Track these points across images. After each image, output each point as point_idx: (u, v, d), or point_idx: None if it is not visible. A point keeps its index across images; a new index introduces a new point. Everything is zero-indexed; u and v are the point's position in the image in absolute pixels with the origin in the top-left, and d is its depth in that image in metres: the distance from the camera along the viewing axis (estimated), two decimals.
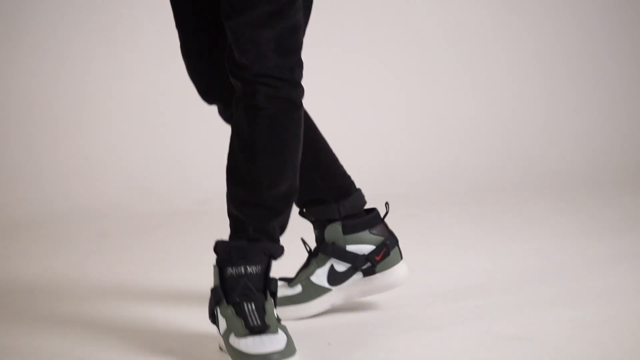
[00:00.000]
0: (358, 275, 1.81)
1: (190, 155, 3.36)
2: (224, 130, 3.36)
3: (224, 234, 1.83)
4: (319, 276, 1.80)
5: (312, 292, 1.79)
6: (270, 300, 1.55)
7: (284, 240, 1.63)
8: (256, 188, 1.57)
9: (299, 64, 1.60)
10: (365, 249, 1.81)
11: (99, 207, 3.01)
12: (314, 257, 1.82)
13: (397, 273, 1.83)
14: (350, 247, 1.81)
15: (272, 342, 1.47)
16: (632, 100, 4.17)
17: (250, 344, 1.47)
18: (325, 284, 1.80)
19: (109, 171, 3.21)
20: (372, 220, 1.84)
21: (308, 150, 1.81)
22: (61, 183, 3.12)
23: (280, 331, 1.51)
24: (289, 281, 1.82)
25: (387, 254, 1.82)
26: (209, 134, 3.33)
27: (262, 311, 1.51)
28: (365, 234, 1.82)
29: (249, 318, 1.50)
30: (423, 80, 3.85)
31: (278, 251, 1.61)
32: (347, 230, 1.81)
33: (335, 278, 1.80)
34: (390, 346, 1.62)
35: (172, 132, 3.41)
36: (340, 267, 1.81)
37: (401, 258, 1.84)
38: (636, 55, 4.16)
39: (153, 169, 3.28)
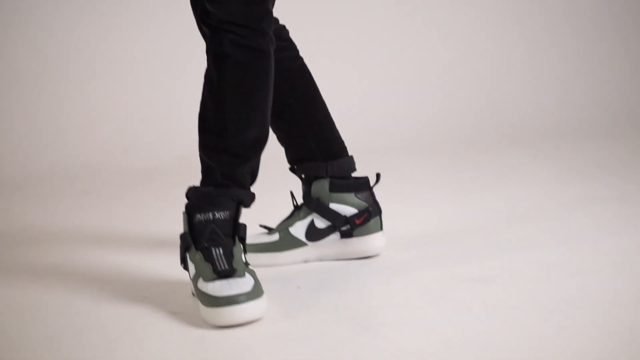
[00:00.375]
0: (335, 236, 1.85)
1: (170, 112, 3.38)
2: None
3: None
4: (298, 229, 1.84)
5: (288, 242, 1.83)
6: (239, 245, 1.57)
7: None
8: (223, 135, 1.60)
9: (267, 14, 1.62)
10: (347, 210, 1.85)
11: (79, 165, 3.02)
12: (297, 210, 1.87)
13: (373, 241, 1.86)
14: (333, 206, 1.85)
15: (239, 285, 1.49)
16: (603, 51, 4.21)
17: (217, 288, 1.49)
18: (303, 238, 1.83)
19: (89, 129, 3.23)
20: (360, 185, 1.87)
21: (306, 109, 1.85)
22: (41, 142, 3.13)
23: (247, 275, 1.53)
24: (269, 230, 1.86)
25: (367, 220, 1.85)
26: (187, 90, 3.35)
27: (229, 256, 1.53)
28: (351, 196, 1.85)
29: (217, 262, 1.52)
30: (402, 36, 3.88)
31: (247, 198, 1.62)
32: (333, 188, 1.84)
33: (313, 234, 1.84)
34: (359, 289, 1.66)
35: (151, 89, 3.42)
36: (320, 223, 1.84)
37: (381, 229, 1.88)
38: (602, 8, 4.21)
39: (133, 126, 3.29)
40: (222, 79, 1.60)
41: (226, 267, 1.53)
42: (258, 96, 1.62)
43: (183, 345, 1.43)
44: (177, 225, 2.14)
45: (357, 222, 1.85)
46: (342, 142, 1.89)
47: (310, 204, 1.85)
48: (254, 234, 1.84)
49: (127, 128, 3.28)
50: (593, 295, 1.58)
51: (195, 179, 1.66)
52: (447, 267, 1.77)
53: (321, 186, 1.85)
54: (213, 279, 1.52)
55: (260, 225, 1.87)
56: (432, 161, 3.18)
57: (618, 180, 2.69)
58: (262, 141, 1.65)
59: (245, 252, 1.59)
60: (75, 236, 2.14)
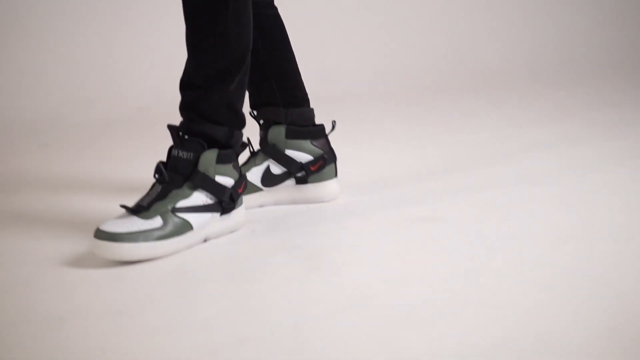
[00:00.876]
0: (291, 182, 1.88)
1: (129, 63, 3.37)
2: (162, 37, 3.39)
3: (164, 140, 1.87)
4: (254, 174, 1.86)
5: None
6: (184, 190, 1.59)
7: None
8: (187, 67, 1.62)
9: None
10: (303, 157, 1.88)
11: (38, 117, 3.01)
12: (254, 156, 1.89)
13: (328, 188, 1.90)
14: (289, 152, 1.87)
15: (125, 224, 1.52)
16: (570, 3, 4.24)
17: (113, 221, 1.53)
18: (258, 183, 1.86)
19: (48, 82, 3.21)
20: (316, 132, 1.90)
21: (274, 57, 1.87)
22: (0, 94, 3.13)
23: (155, 219, 1.54)
24: None
25: (322, 167, 1.88)
26: (147, 41, 3.35)
27: (153, 195, 1.57)
28: (307, 143, 1.88)
29: (142, 198, 1.58)
30: None
31: (219, 133, 1.63)
32: (289, 135, 1.87)
33: (269, 179, 1.86)
34: (312, 232, 1.69)
35: (110, 39, 3.41)
36: (276, 169, 1.87)
37: (336, 175, 1.91)
38: None
39: (92, 77, 3.29)
40: (192, 6, 1.60)
41: (138, 204, 1.56)
42: (227, 27, 1.60)
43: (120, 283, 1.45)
44: (139, 174, 2.18)
45: (312, 168, 1.88)
46: (306, 94, 1.92)
47: (266, 149, 1.88)
48: None
49: (87, 81, 3.27)
50: (537, 231, 1.63)
51: (156, 130, 1.67)
52: (399, 209, 1.81)
53: (278, 132, 1.87)
54: (127, 212, 1.56)
55: None
56: (390, 108, 3.21)
57: (572, 125, 2.74)
58: (229, 73, 1.63)
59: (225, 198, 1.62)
60: (35, 186, 2.14)
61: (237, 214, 1.69)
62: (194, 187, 1.61)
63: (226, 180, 1.65)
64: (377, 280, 1.40)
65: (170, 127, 1.64)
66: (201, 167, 1.62)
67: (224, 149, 1.65)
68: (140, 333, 1.22)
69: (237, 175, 1.68)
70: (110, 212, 1.71)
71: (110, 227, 1.51)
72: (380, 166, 2.24)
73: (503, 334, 1.16)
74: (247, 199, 1.85)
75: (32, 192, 2.07)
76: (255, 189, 1.86)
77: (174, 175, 1.61)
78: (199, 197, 1.61)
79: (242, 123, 1.68)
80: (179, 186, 1.60)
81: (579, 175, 2.05)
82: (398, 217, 1.75)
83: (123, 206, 1.57)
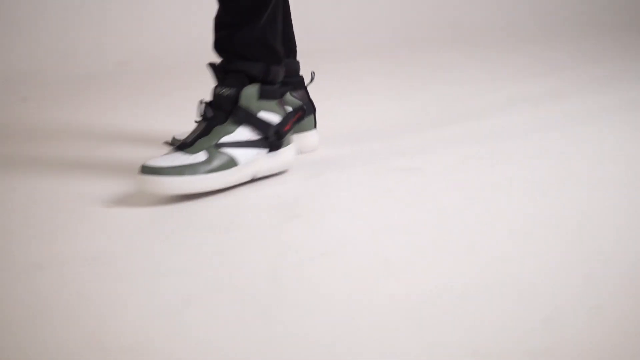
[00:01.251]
0: None
1: (108, 16, 3.35)
2: None
3: (145, 93, 1.86)
4: None
5: None
6: (229, 126, 1.62)
7: None
8: (221, 3, 1.65)
9: None
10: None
11: (17, 71, 3.00)
12: None
13: (307, 139, 1.90)
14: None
15: (171, 159, 1.55)
16: None
17: (160, 157, 1.56)
18: None
19: (27, 36, 3.19)
20: (295, 83, 1.90)
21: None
22: None
23: (200, 153, 1.58)
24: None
25: (301, 119, 1.85)
26: None
27: (197, 132, 1.61)
28: (286, 94, 1.87)
29: (189, 135, 1.62)
30: None
31: (255, 70, 1.64)
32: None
33: None
34: (290, 180, 1.69)
35: None
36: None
37: (315, 127, 1.91)
38: None
39: (71, 32, 3.27)
40: None
41: (183, 141, 1.59)
42: None
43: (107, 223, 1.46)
44: (117, 128, 2.17)
45: (292, 120, 1.87)
46: (295, 46, 1.92)
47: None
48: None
49: (65, 36, 3.25)
50: (514, 182, 1.64)
51: (136, 84, 1.66)
52: (379, 160, 1.82)
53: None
54: (171, 150, 1.60)
55: (196, 122, 1.89)
56: (371, 63, 3.21)
57: (551, 79, 2.75)
58: (256, 8, 1.64)
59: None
60: (13, 138, 2.14)
61: (286, 152, 1.70)
62: (237, 123, 1.63)
63: (271, 117, 1.67)
64: (355, 228, 1.41)
65: (211, 65, 1.66)
66: (243, 102, 1.63)
67: (265, 85, 1.67)
68: (116, 280, 1.22)
69: (283, 112, 1.69)
70: (91, 160, 1.70)
71: (155, 162, 1.54)
72: (360, 120, 2.24)
73: (477, 280, 1.17)
74: None
75: (14, 145, 2.07)
76: None
77: (218, 112, 1.64)
78: (243, 133, 1.63)
79: (278, 58, 1.68)
80: (222, 122, 1.63)
81: (559, 129, 2.06)
82: (377, 168, 1.76)
83: (166, 143, 1.64)
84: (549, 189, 1.58)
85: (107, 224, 1.46)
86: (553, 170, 1.71)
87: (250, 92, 1.64)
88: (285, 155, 1.69)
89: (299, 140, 1.89)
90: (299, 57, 1.97)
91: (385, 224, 1.42)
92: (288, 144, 1.70)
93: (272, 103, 1.67)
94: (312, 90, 2.16)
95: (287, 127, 1.68)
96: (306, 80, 1.92)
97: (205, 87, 2.26)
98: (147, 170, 1.52)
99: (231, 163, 1.59)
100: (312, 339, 1.02)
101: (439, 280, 1.18)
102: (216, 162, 1.57)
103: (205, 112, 1.64)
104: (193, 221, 1.48)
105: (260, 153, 1.64)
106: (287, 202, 1.57)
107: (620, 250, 1.27)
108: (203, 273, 1.24)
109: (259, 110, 1.65)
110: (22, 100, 2.69)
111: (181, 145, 1.59)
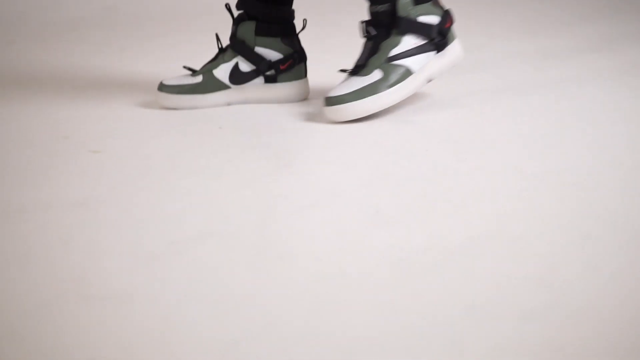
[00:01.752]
0: (260, 80, 1.84)
1: None
2: None
3: (133, 37, 1.83)
4: (222, 71, 1.82)
5: (211, 85, 1.82)
6: (395, 38, 1.69)
7: None
8: None
9: None
10: (272, 55, 1.84)
11: (1, 15, 2.96)
12: (222, 53, 1.85)
13: (297, 87, 1.87)
14: (259, 50, 1.84)
15: (350, 84, 1.65)
16: None
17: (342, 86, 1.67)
18: (226, 81, 1.83)
19: None
20: (287, 30, 1.86)
21: None
22: None
23: (376, 71, 1.66)
24: (194, 72, 1.85)
25: (292, 66, 1.85)
26: None
27: (367, 49, 1.71)
28: (277, 41, 1.84)
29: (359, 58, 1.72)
30: None
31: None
32: (259, 32, 1.83)
33: (237, 77, 1.83)
34: (280, 131, 1.67)
35: None
36: (245, 67, 1.83)
37: (305, 76, 1.88)
38: None
39: None
40: None
41: (355, 65, 1.70)
42: None
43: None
44: (105, 71, 2.14)
45: (282, 67, 1.84)
46: None
47: (235, 46, 1.83)
48: (177, 76, 1.84)
49: None
50: (513, 139, 1.61)
51: (121, 29, 1.63)
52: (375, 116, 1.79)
53: (248, 29, 1.83)
54: (347, 76, 1.71)
55: (184, 67, 1.86)
56: (364, 13, 3.16)
57: (559, 39, 2.72)
58: None
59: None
60: (4, 81, 2.11)
61: (453, 48, 1.77)
62: (402, 33, 1.70)
63: (430, 19, 1.73)
64: (346, 178, 1.38)
65: None
66: (401, 12, 1.70)
67: None
68: (101, 226, 1.20)
69: (440, 11, 1.75)
70: (77, 104, 1.68)
71: (336, 91, 1.64)
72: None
73: (470, 234, 1.15)
74: (214, 96, 1.82)
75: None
76: (223, 87, 1.83)
77: (379, 29, 1.70)
78: (409, 41, 1.70)
79: None
80: (387, 37, 1.70)
81: (560, 87, 2.03)
82: (369, 119, 1.73)
83: (342, 70, 1.71)
84: (546, 147, 1.55)
85: (93, 168, 1.44)
86: (551, 128, 1.68)
87: (406, 1, 1.71)
88: (453, 51, 1.77)
89: (289, 89, 1.86)
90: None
91: (378, 176, 1.40)
92: (453, 39, 1.77)
93: (428, 5, 1.73)
94: (302, 37, 2.11)
95: (447, 24, 1.74)
96: (298, 28, 1.88)
97: (192, 34, 2.21)
98: (330, 101, 1.63)
99: (407, 73, 1.68)
100: (299, 288, 1.00)
101: (431, 233, 1.16)
102: (393, 76, 1.67)
103: (368, 31, 1.71)
104: (182, 167, 1.45)
105: (430, 56, 1.72)
106: (277, 150, 1.55)
107: (619, 210, 1.25)
108: (189, 221, 1.21)
109: (418, 15, 1.72)
110: (9, 43, 2.67)
111: (354, 70, 1.68)
